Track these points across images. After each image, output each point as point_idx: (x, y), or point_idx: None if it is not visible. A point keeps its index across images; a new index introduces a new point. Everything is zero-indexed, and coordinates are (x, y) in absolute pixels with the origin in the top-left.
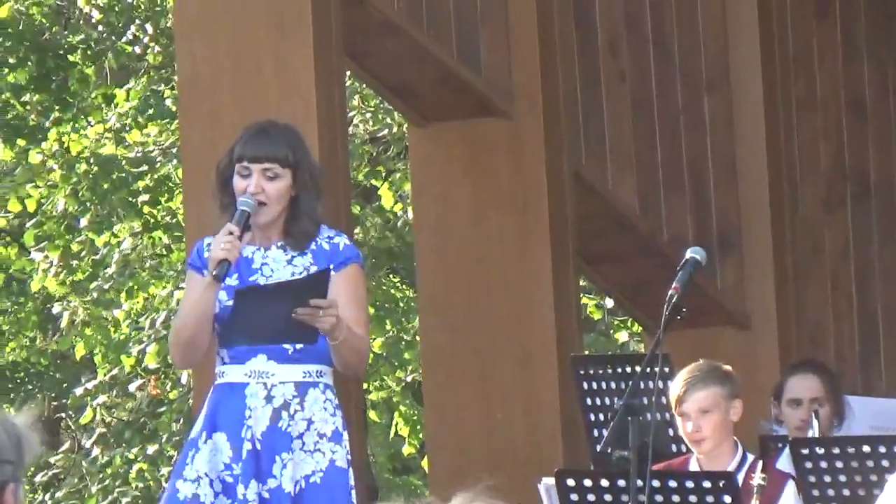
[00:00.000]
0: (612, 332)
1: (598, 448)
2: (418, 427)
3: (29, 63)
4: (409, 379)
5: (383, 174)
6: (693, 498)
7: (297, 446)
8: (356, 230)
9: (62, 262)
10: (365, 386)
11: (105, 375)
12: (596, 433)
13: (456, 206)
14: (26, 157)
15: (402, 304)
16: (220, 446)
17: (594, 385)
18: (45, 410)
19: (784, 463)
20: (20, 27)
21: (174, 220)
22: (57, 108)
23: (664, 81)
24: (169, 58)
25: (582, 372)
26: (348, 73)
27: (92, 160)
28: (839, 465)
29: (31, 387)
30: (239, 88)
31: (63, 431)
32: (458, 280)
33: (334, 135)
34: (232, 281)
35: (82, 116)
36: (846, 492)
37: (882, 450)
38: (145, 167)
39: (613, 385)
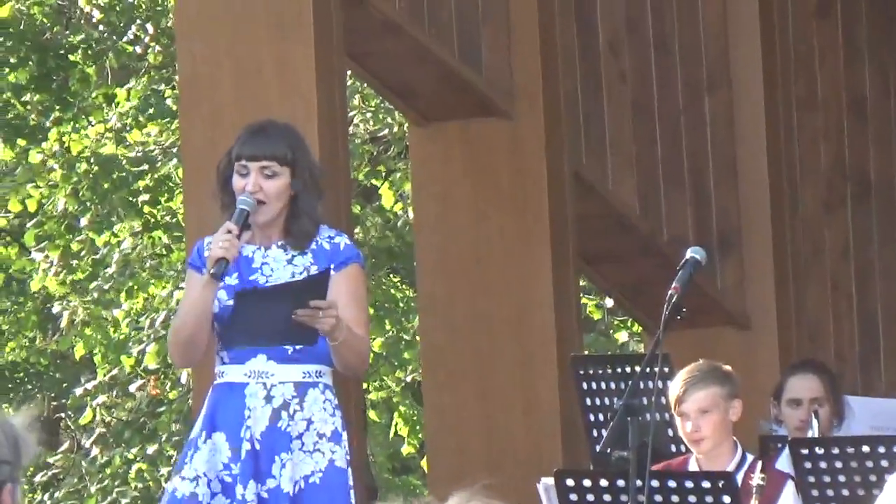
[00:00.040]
0: (611, 332)
1: (598, 448)
2: (418, 427)
3: (30, 63)
4: (408, 379)
5: (384, 174)
6: (692, 498)
7: (297, 446)
8: (356, 230)
9: (62, 262)
10: (364, 386)
11: (105, 376)
12: (595, 433)
13: (456, 205)
14: (27, 156)
15: (401, 304)
16: (219, 446)
17: (594, 385)
18: (44, 410)
19: (783, 463)
20: (21, 27)
21: (174, 220)
22: (57, 107)
23: (665, 82)
24: (170, 58)
25: (581, 372)
26: (349, 72)
27: (92, 160)
28: (839, 465)
29: (30, 387)
30: (239, 88)
31: (62, 431)
32: (458, 280)
33: (335, 134)
34: (232, 280)
35: (83, 116)
36: (845, 492)
37: (881, 450)
38: (146, 166)
39: (613, 385)
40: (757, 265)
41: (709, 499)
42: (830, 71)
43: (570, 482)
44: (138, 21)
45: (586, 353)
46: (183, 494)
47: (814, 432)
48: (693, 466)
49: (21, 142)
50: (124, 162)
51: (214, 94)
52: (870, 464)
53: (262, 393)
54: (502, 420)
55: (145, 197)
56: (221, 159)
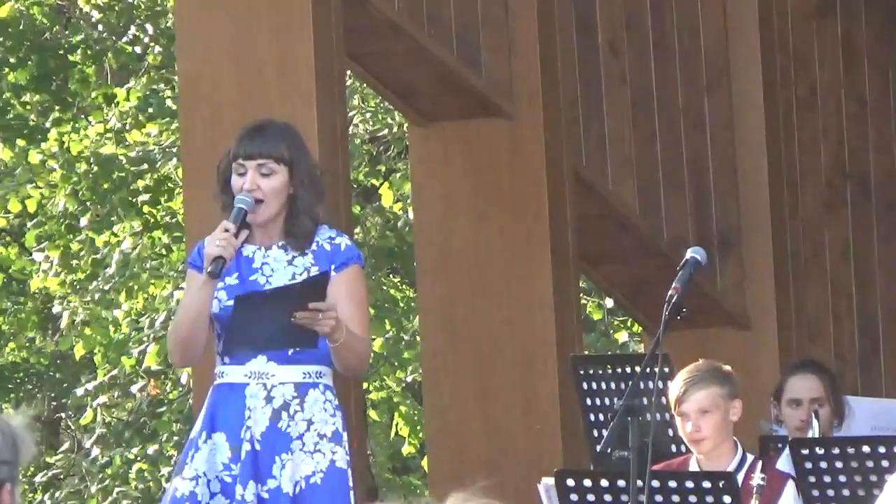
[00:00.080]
0: (612, 332)
1: (598, 448)
2: (418, 427)
3: (29, 63)
4: (409, 379)
5: (383, 174)
6: (693, 498)
7: (297, 447)
8: (356, 230)
9: (62, 262)
10: (365, 386)
11: (105, 376)
12: (596, 433)
13: (456, 206)
14: (26, 156)
15: (401, 304)
16: (219, 446)
17: (594, 385)
18: (44, 411)
19: (784, 463)
20: (21, 27)
21: (174, 220)
22: (57, 108)
23: (665, 82)
24: (169, 58)
25: (582, 372)
26: (349, 72)
27: (92, 160)
28: (839, 465)
29: (30, 387)
30: (239, 88)
31: (63, 432)
32: (458, 280)
33: (335, 134)
34: (232, 280)
35: (82, 116)
36: (846, 492)
37: (882, 450)
38: (145, 166)
39: (613, 385)
40: (757, 265)
41: (709, 499)
42: (830, 71)
43: (570, 482)
44: (138, 21)
45: (586, 353)
46: (182, 494)
47: (814, 432)
48: (693, 467)
49: (20, 142)
50: (124, 162)
51: (214, 93)
52: (870, 464)
53: (262, 393)
54: (502, 420)
55: (145, 197)
56: (222, 160)
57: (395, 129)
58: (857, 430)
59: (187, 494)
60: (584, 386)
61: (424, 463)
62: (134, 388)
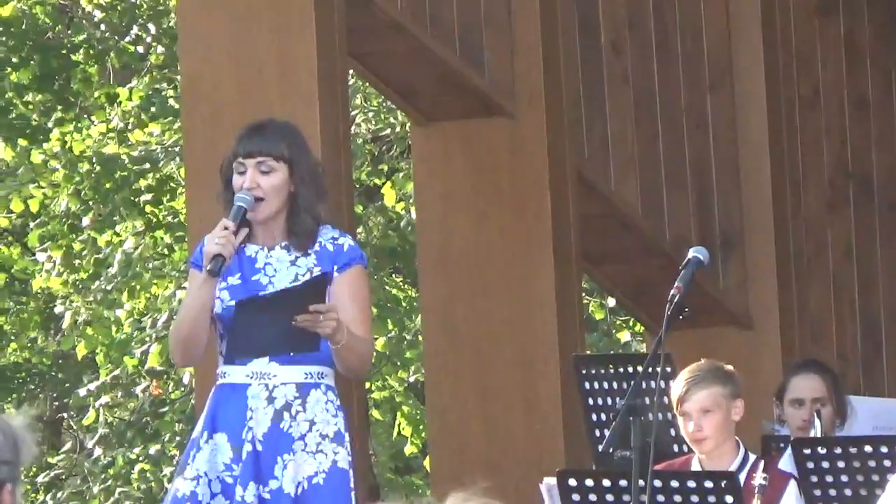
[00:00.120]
0: (614, 331)
1: (600, 448)
2: (421, 427)
3: (32, 62)
4: (411, 379)
5: (386, 173)
6: (695, 498)
7: (299, 447)
8: (359, 230)
9: (65, 262)
10: (367, 385)
11: (107, 376)
12: (598, 433)
13: (458, 205)
14: (29, 156)
15: (404, 304)
16: (220, 447)
17: (596, 385)
18: (46, 411)
19: (786, 463)
20: (23, 26)
21: (176, 220)
22: (60, 107)
23: (667, 81)
24: (172, 58)
25: (584, 372)
26: (351, 72)
27: (94, 159)
28: (841, 465)
29: (32, 387)
30: (241, 88)
31: (65, 432)
32: (460, 280)
33: (337, 134)
34: (235, 280)
35: (85, 116)
36: (848, 492)
37: (884, 450)
38: (147, 165)
39: (615, 385)
40: (759, 265)
41: (711, 499)
42: (832, 70)
43: (572, 482)
44: (140, 21)
45: (588, 352)
46: (184, 494)
47: (816, 432)
48: (695, 466)
49: (23, 142)
50: (127, 161)
51: (216, 93)
52: (872, 464)
53: (264, 394)
54: (504, 420)
55: (147, 197)
56: (224, 160)
57: (397, 129)
58: (859, 429)
59: (188, 494)
60: (586, 386)
61: (426, 463)
62: (138, 389)
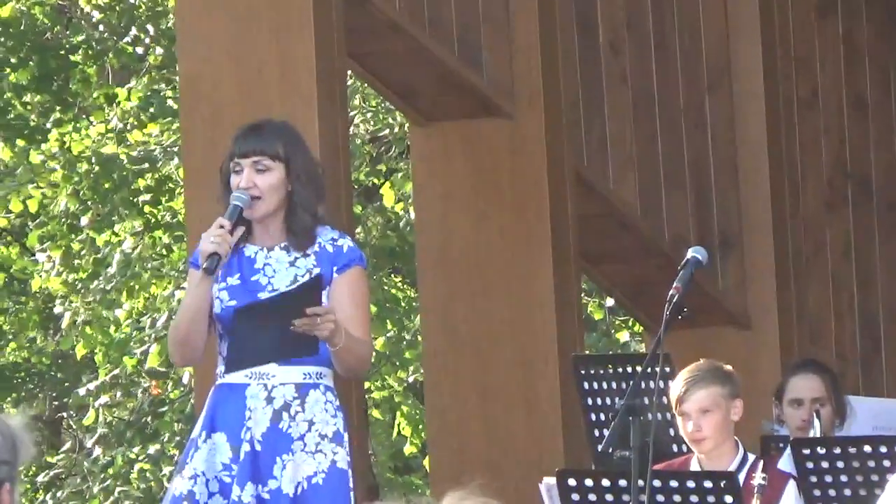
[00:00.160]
0: (613, 331)
1: (600, 448)
2: (420, 427)
3: (30, 63)
4: (410, 379)
5: (384, 174)
6: (694, 498)
7: (298, 447)
8: (357, 230)
9: (64, 262)
10: (367, 385)
11: (106, 376)
12: (597, 433)
13: (457, 205)
14: (27, 157)
15: (403, 304)
16: (219, 446)
17: (595, 385)
18: (46, 410)
19: (785, 463)
20: (22, 27)
21: (175, 220)
22: (58, 108)
23: (665, 81)
24: (170, 58)
25: (583, 372)
26: (349, 72)
27: (93, 160)
28: (840, 465)
29: (32, 386)
30: (240, 88)
31: (64, 431)
32: (459, 280)
33: (335, 134)
34: (234, 280)
35: (84, 116)
36: (847, 492)
37: (883, 450)
38: (146, 165)
39: (614, 385)
40: (758, 265)
41: (711, 499)
42: (831, 70)
43: (572, 482)
44: (138, 22)
45: (588, 352)
46: (181, 493)
47: (815, 432)
48: (695, 466)
49: (21, 142)
50: (125, 161)
51: (215, 94)
52: (872, 464)
53: (262, 394)
54: (503, 420)
55: (146, 197)
56: (223, 161)
57: (396, 129)
58: (858, 429)
59: (185, 493)
60: (586, 385)
61: (426, 462)
62: (139, 391)
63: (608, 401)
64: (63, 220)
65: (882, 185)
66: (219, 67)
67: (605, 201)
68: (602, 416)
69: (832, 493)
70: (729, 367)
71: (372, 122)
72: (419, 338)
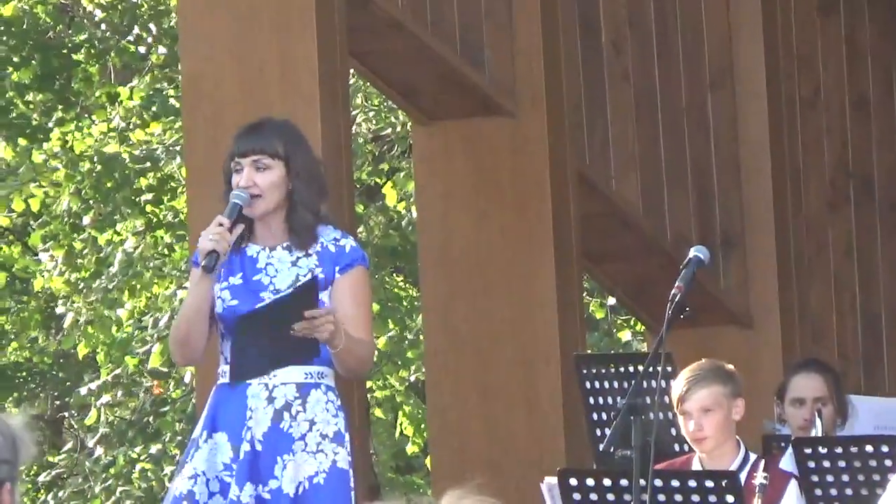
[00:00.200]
0: (615, 330)
1: (601, 447)
2: (422, 426)
3: (33, 62)
4: (412, 378)
5: (386, 173)
6: (696, 497)
7: (299, 447)
8: (360, 229)
9: (67, 261)
10: (368, 384)
11: (108, 376)
12: (598, 432)
13: (459, 204)
14: (29, 156)
15: (405, 304)
16: (220, 446)
17: (597, 384)
18: (47, 410)
19: (787, 462)
20: (24, 26)
21: (177, 219)
22: (60, 107)
23: (668, 80)
24: (173, 57)
25: (585, 371)
26: (352, 71)
27: (95, 159)
28: (842, 464)
29: (33, 386)
30: (242, 87)
31: (66, 431)
32: (460, 279)
33: (337, 133)
34: (236, 280)
35: (86, 115)
36: (849, 492)
37: (885, 450)
38: (148, 164)
39: (616, 384)
40: (760, 264)
41: (712, 498)
42: (833, 69)
43: (573, 481)
44: (141, 20)
45: (589, 352)
46: (181, 492)
47: (817, 431)
48: (696, 466)
49: (23, 141)
50: (127, 160)
51: (217, 92)
52: (873, 463)
53: (263, 394)
54: (505, 419)
55: (148, 196)
56: (225, 161)
57: (398, 128)
58: (860, 429)
59: (185, 493)
60: (587, 385)
61: (428, 462)
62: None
63: (610, 400)
64: (65, 219)
65: (884, 185)
66: (221, 66)
67: (606, 200)
68: (604, 416)
69: (834, 492)
70: (730, 367)
71: (374, 122)
72: (421, 337)
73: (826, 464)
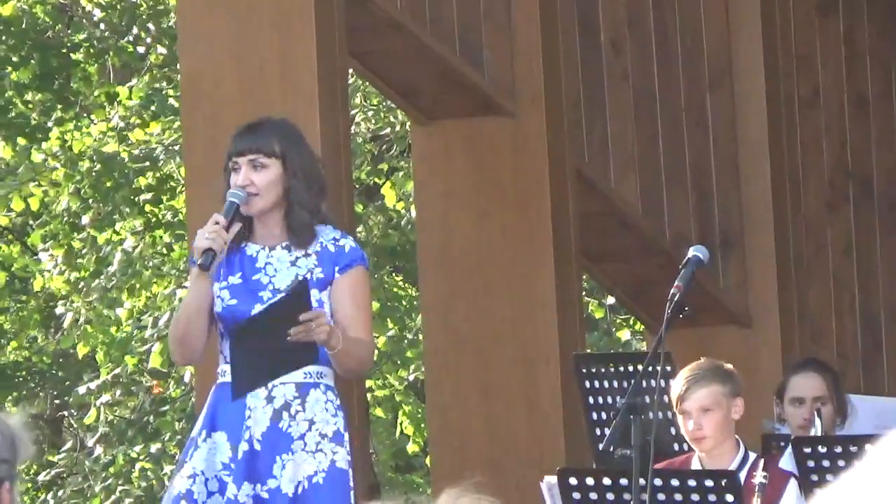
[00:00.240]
0: (614, 330)
1: (601, 446)
2: (422, 425)
3: (32, 61)
4: (411, 378)
5: (386, 172)
6: (695, 497)
7: (299, 447)
8: (359, 229)
9: (66, 261)
10: (368, 384)
11: (108, 375)
12: (598, 432)
13: (458, 204)
14: (28, 155)
15: (404, 303)
16: (219, 445)
17: (596, 383)
18: (47, 409)
19: (786, 462)
20: (23, 25)
21: (176, 219)
22: (59, 106)
23: (667, 80)
24: (172, 57)
25: (584, 370)
26: (351, 71)
27: (94, 158)
28: (841, 464)
29: (33, 385)
30: (241, 87)
31: (66, 430)
32: (460, 278)
33: (337, 133)
34: (235, 280)
35: (85, 115)
36: None
37: None
38: (147, 163)
39: (615, 384)
40: (759, 264)
41: (712, 497)
42: (832, 69)
43: (573, 481)
44: (140, 20)
45: (589, 351)
46: (179, 492)
47: (817, 431)
48: (696, 465)
49: (22, 140)
50: (126, 160)
51: (216, 92)
52: None
53: (263, 393)
54: (504, 418)
55: (147, 196)
56: (225, 160)
57: (397, 128)
58: (859, 428)
59: (184, 493)
60: (587, 384)
61: (428, 461)
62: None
63: (609, 399)
64: (64, 218)
65: (883, 185)
66: (220, 66)
67: (606, 200)
68: (603, 415)
69: None
70: (730, 366)
71: (373, 121)
72: (420, 336)
73: (826, 463)
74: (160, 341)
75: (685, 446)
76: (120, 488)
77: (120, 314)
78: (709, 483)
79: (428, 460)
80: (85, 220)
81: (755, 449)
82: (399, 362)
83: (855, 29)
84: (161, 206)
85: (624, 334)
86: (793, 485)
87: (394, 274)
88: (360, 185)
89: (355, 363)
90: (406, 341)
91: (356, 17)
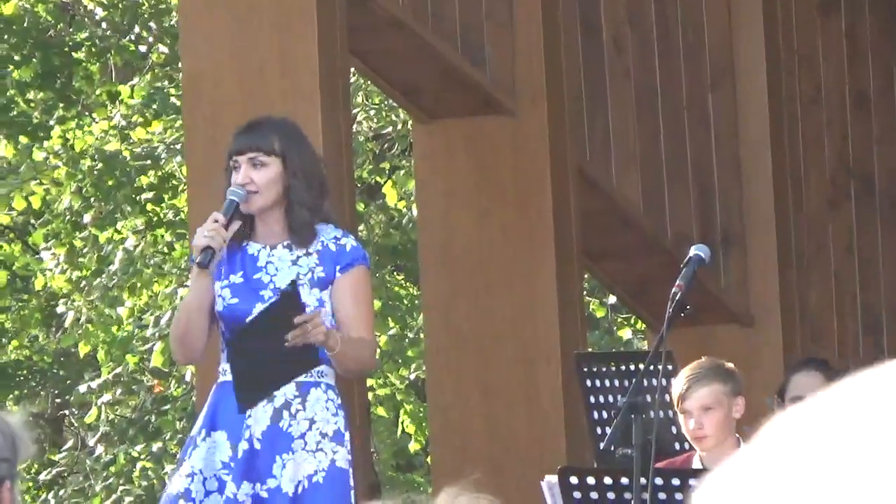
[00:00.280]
0: (615, 329)
1: (602, 445)
2: (423, 424)
3: (33, 60)
4: (412, 377)
5: (387, 171)
6: None
7: (299, 446)
8: (360, 228)
9: (68, 260)
10: (369, 383)
11: (109, 374)
12: (599, 431)
13: (460, 202)
14: (30, 154)
15: (405, 302)
16: (219, 444)
17: (597, 382)
18: (48, 408)
19: None
20: (25, 24)
21: (177, 218)
22: (61, 105)
23: (668, 78)
24: (173, 56)
25: (585, 369)
26: (352, 69)
27: (96, 157)
28: None
29: (34, 384)
30: (242, 86)
31: (66, 429)
32: (461, 277)
33: (338, 132)
34: (237, 279)
35: (86, 114)
36: None
37: None
38: (148, 162)
39: (617, 383)
40: (760, 262)
41: None
42: (834, 67)
43: (573, 480)
44: (142, 19)
45: (590, 350)
46: (177, 491)
47: None
48: (696, 464)
49: (24, 139)
50: (128, 158)
51: (217, 91)
52: None
53: None
54: (505, 417)
55: (149, 194)
56: (226, 159)
57: (398, 127)
58: None
59: (182, 492)
60: (588, 383)
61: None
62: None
63: (610, 398)
64: (66, 217)
65: (885, 182)
66: (221, 65)
67: (607, 198)
68: (604, 414)
69: None
70: (731, 365)
71: (375, 120)
72: (421, 335)
73: None
74: (161, 340)
75: (686, 445)
76: (121, 487)
77: (121, 313)
78: None
79: (429, 459)
80: (86, 218)
81: None
82: (400, 361)
83: (856, 27)
84: (162, 204)
85: (625, 333)
86: None
87: (395, 273)
88: (362, 183)
89: (355, 364)
90: (407, 340)
91: (357, 15)
